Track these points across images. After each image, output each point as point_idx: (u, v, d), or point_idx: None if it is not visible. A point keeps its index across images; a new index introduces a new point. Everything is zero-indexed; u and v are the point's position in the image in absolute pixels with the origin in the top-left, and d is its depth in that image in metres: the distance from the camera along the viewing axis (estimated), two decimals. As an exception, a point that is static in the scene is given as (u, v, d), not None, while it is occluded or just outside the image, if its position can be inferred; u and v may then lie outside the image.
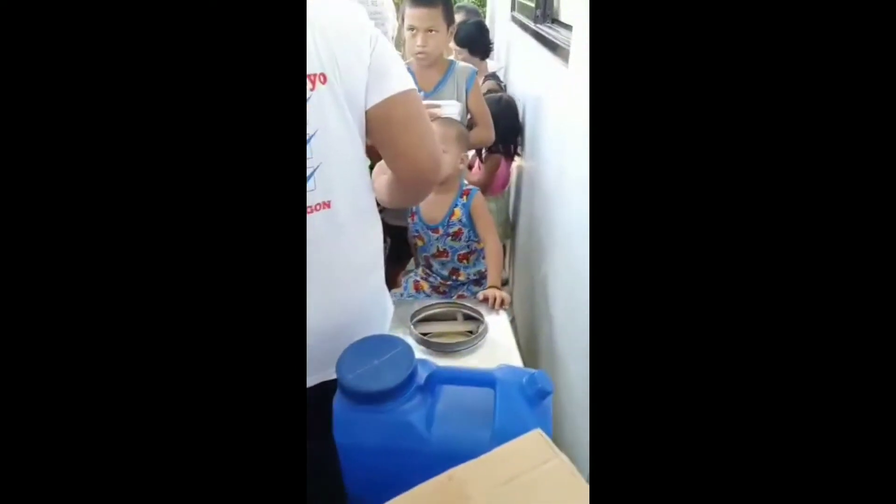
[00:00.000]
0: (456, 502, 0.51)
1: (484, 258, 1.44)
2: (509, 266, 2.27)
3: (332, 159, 0.72)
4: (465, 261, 1.46)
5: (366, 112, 0.74)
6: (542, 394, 0.67)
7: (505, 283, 2.28)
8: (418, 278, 1.51)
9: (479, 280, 1.46)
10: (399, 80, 0.74)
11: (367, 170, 0.83)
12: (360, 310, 0.83)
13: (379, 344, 0.73)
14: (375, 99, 0.73)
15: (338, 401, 0.69)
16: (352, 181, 0.76)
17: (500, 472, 0.54)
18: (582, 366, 1.04)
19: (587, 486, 0.52)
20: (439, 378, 0.71)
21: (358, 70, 0.70)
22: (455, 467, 0.54)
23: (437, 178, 0.83)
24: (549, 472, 0.54)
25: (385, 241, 1.61)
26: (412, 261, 1.77)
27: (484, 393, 0.71)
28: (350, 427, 0.68)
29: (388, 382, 0.66)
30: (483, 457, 0.56)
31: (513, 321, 2.01)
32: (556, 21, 1.78)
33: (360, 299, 0.84)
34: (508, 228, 2.12)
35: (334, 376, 0.70)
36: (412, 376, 0.69)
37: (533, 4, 1.93)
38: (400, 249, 1.70)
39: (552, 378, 0.71)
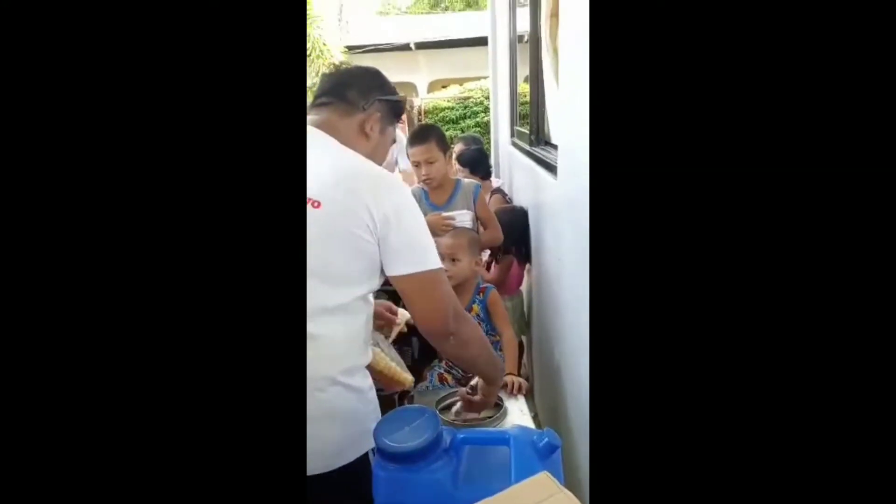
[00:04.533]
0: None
1: (501, 350, 1.57)
2: (528, 361, 2.36)
3: None
4: (483, 353, 1.59)
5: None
6: (551, 448, 0.79)
7: (526, 378, 2.37)
8: (442, 371, 1.64)
9: (498, 371, 1.57)
10: None
11: None
12: None
13: (410, 413, 0.87)
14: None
15: (376, 464, 0.81)
16: None
17: (513, 502, 0.65)
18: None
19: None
20: (462, 440, 0.83)
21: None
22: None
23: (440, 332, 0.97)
24: (555, 502, 0.65)
25: (410, 344, 1.78)
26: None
27: (502, 451, 0.82)
28: (387, 487, 0.79)
29: (418, 443, 0.79)
30: (499, 494, 0.67)
31: (535, 417, 2.07)
32: (548, 143, 2.09)
33: None
34: (524, 325, 2.26)
35: None
36: (438, 438, 0.81)
37: (528, 131, 2.27)
38: (426, 349, 1.84)
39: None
